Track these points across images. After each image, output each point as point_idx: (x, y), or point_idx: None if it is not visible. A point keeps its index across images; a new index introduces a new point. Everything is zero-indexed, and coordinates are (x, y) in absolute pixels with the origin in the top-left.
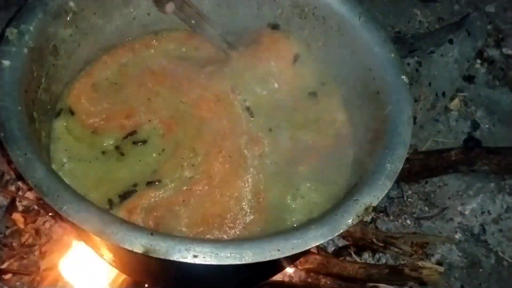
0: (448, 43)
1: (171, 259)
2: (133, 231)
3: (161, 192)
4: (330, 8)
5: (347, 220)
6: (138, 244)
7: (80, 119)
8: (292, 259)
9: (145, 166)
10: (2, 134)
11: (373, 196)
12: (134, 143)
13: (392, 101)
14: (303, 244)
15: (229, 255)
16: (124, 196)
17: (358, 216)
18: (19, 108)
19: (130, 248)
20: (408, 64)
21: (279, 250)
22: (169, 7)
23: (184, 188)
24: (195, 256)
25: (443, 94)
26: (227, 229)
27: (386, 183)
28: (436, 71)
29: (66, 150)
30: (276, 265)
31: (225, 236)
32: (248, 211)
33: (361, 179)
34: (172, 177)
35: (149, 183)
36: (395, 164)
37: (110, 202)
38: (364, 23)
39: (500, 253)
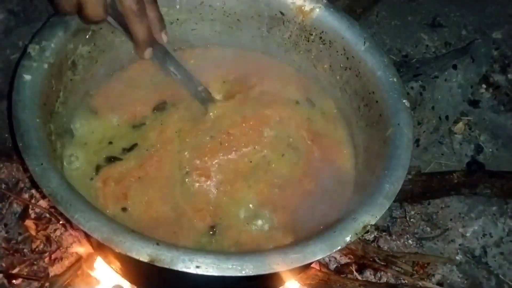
0: (452, 68)
1: (175, 268)
2: (140, 241)
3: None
4: (336, 33)
5: (345, 237)
6: (144, 253)
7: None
8: (293, 274)
9: None
10: (21, 144)
11: (371, 215)
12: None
13: (393, 123)
14: (301, 259)
15: (230, 266)
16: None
17: (356, 234)
18: (38, 120)
19: (136, 257)
20: (412, 88)
21: (278, 264)
22: (148, 53)
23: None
24: (197, 267)
25: (446, 117)
26: None
27: (384, 203)
28: (440, 95)
29: None
30: (277, 279)
31: None
32: None
33: (360, 198)
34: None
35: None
36: (393, 185)
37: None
38: (368, 48)
39: (501, 276)
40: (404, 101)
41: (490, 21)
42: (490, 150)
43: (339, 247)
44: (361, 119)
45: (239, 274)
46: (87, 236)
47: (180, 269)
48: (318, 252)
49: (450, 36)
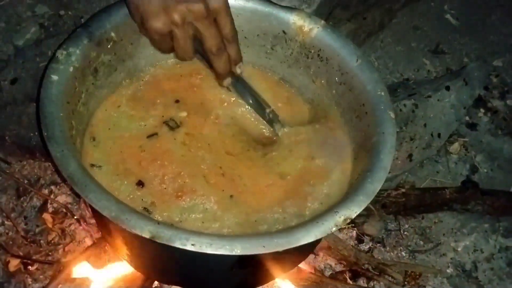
0: (445, 89)
1: (173, 245)
2: (143, 219)
3: None
4: (332, 51)
5: (327, 228)
6: (146, 230)
7: None
8: (283, 269)
9: None
10: (45, 134)
11: (351, 210)
12: None
13: (378, 132)
14: (285, 243)
15: (221, 246)
16: None
17: (337, 226)
18: (61, 114)
19: (139, 233)
20: (405, 105)
21: (264, 246)
22: (226, 82)
23: None
24: (193, 245)
25: (439, 135)
26: None
27: (364, 200)
28: (432, 114)
29: None
30: (267, 272)
31: None
32: None
33: (345, 195)
34: None
35: None
36: (374, 185)
37: None
38: (360, 65)
39: None
40: (389, 112)
41: (492, 50)
42: (485, 170)
43: (320, 236)
44: (353, 130)
45: (229, 253)
46: (98, 224)
47: (177, 246)
48: (301, 239)
49: (452, 63)
